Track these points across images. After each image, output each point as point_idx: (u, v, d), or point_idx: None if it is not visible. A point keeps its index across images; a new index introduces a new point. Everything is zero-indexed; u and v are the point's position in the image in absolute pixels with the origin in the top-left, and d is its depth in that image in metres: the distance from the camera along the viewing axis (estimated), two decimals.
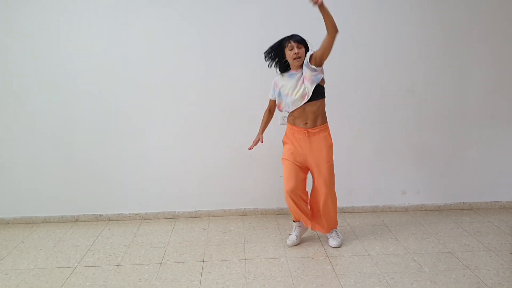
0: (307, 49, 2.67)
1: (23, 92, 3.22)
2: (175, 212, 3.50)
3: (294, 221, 2.97)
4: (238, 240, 3.03)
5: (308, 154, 2.73)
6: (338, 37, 3.23)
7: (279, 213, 3.53)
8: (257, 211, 3.53)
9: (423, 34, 3.28)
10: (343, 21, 3.22)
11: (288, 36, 2.66)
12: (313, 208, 2.90)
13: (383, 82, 3.34)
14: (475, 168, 3.54)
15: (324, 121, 2.75)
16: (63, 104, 3.26)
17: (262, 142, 2.90)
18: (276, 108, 2.83)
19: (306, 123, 2.69)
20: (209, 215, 3.52)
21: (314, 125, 2.70)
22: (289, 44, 2.62)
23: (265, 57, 2.74)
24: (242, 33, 3.22)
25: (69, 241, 3.08)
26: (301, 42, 2.63)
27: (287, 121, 2.81)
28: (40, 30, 3.13)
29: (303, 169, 2.80)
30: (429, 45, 3.30)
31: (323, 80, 2.69)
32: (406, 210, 3.58)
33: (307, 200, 2.91)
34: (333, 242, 2.88)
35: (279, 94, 2.74)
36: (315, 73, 2.61)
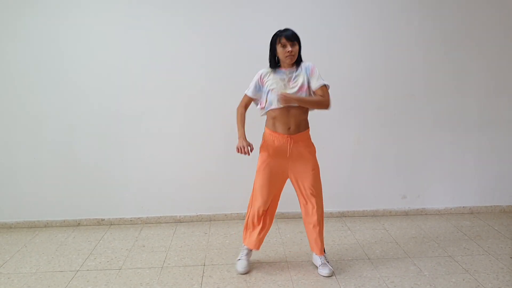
0: (300, 44, 2.43)
1: (25, 97, 3.25)
2: (176, 216, 3.52)
3: (245, 244, 2.69)
4: (239, 244, 3.04)
5: (290, 164, 2.49)
6: (337, 39, 3.28)
7: (280, 217, 3.54)
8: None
9: (423, 39, 3.31)
10: (344, 26, 3.27)
11: (279, 32, 2.41)
12: (306, 225, 2.64)
13: (383, 87, 3.37)
14: (475, 172, 3.55)
15: (307, 126, 2.52)
16: (65, 108, 3.29)
17: (253, 150, 2.49)
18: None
19: (289, 128, 2.43)
20: (210, 219, 3.54)
21: (298, 131, 2.45)
22: (281, 41, 2.37)
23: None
24: (244, 39, 3.25)
25: (71, 245, 3.10)
26: (295, 39, 2.38)
27: (266, 125, 2.52)
28: (43, 34, 3.17)
29: (279, 184, 2.56)
30: (429, 50, 3.33)
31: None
32: (406, 214, 3.59)
33: (272, 220, 2.66)
34: (323, 270, 2.56)
35: (259, 89, 2.46)
36: (314, 88, 2.44)
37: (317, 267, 2.64)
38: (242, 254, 2.69)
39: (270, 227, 2.67)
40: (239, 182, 3.46)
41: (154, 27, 3.20)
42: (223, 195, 3.48)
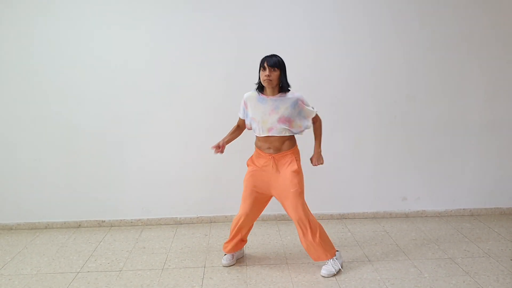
0: (283, 72, 2.46)
1: (26, 98, 3.26)
2: (176, 218, 3.52)
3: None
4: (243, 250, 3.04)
5: (272, 181, 2.55)
6: (338, 41, 3.29)
7: (280, 219, 3.55)
8: (258, 218, 3.54)
9: (423, 41, 3.31)
10: (345, 28, 3.28)
11: (265, 57, 2.47)
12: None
13: (383, 89, 3.37)
14: (476, 175, 3.56)
15: (292, 145, 2.56)
16: (66, 110, 3.29)
17: (221, 152, 2.64)
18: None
19: (269, 148, 2.53)
20: (211, 221, 3.54)
21: (279, 151, 2.52)
22: (263, 65, 2.44)
23: None
24: (244, 40, 3.25)
25: (71, 247, 3.11)
26: (275, 65, 2.41)
27: (255, 143, 2.64)
28: (44, 37, 3.18)
29: (263, 197, 2.63)
30: (430, 52, 3.33)
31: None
32: (406, 216, 3.59)
33: (251, 228, 2.75)
34: (323, 270, 2.61)
35: (247, 115, 2.58)
36: (303, 127, 2.55)
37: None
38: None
39: (244, 238, 2.77)
40: (239, 184, 3.43)
41: (155, 28, 3.21)
42: (224, 197, 3.48)
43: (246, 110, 2.59)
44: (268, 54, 2.48)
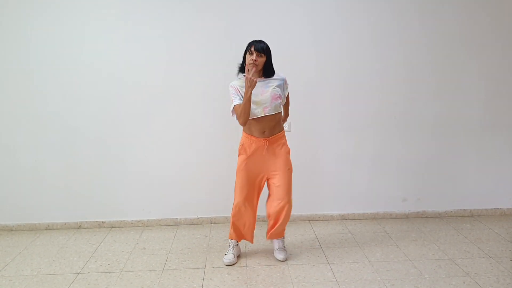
0: (269, 58, 2.58)
1: (26, 99, 3.26)
2: (177, 218, 3.53)
3: (231, 239, 2.88)
4: (240, 246, 3.05)
5: (266, 163, 2.67)
6: (339, 42, 3.29)
7: None
8: (258, 218, 3.54)
9: (423, 42, 3.32)
10: (344, 28, 3.28)
11: (252, 41, 2.58)
12: (270, 216, 2.78)
13: (383, 89, 3.37)
14: (476, 175, 3.56)
15: (281, 129, 2.72)
16: (66, 111, 3.30)
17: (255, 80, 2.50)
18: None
19: (264, 132, 2.62)
20: (211, 222, 3.54)
21: (272, 134, 2.64)
22: (250, 50, 2.54)
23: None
24: (244, 42, 3.25)
25: (72, 248, 3.11)
26: (262, 51, 2.52)
27: (243, 130, 2.70)
28: (44, 37, 3.18)
29: (257, 182, 2.73)
30: (429, 53, 3.34)
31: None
32: (406, 217, 3.59)
33: (256, 214, 2.83)
34: (279, 255, 2.82)
35: (241, 96, 2.58)
36: (283, 97, 2.69)
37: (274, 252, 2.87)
38: (229, 249, 2.88)
39: (254, 221, 2.86)
40: None
41: (155, 29, 3.22)
42: (224, 197, 3.48)
43: (240, 94, 2.58)
44: (256, 39, 2.59)
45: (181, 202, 3.50)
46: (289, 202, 2.70)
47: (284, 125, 3.17)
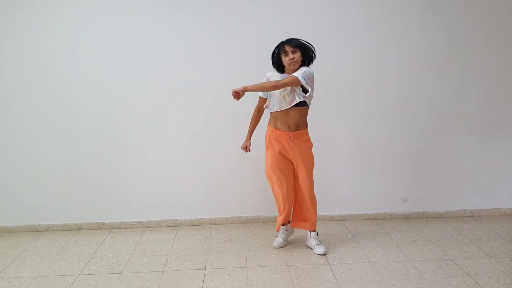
0: (305, 52, 2.67)
1: (26, 100, 3.26)
2: (177, 220, 3.52)
3: (282, 224, 3.06)
4: (240, 248, 3.05)
5: (294, 154, 2.78)
6: (339, 43, 3.29)
7: None
8: (259, 219, 3.55)
9: (423, 42, 3.32)
10: (344, 28, 3.29)
11: (282, 42, 2.69)
12: (295, 207, 2.99)
13: (383, 89, 3.37)
14: (476, 175, 3.56)
15: (306, 126, 2.80)
16: (66, 112, 3.30)
17: (249, 151, 2.95)
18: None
19: (289, 127, 2.72)
20: (211, 223, 3.54)
21: (297, 129, 2.73)
22: (284, 51, 2.65)
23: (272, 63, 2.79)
24: (245, 41, 3.26)
25: (72, 249, 3.11)
26: (297, 47, 2.64)
27: (269, 123, 2.83)
28: (44, 39, 3.18)
29: (290, 172, 2.86)
30: (429, 53, 3.34)
31: (310, 96, 2.74)
32: (407, 217, 3.59)
33: (294, 198, 2.97)
34: (319, 249, 2.90)
35: (269, 93, 2.77)
36: (299, 90, 2.68)
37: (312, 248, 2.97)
38: (279, 234, 3.09)
39: (293, 203, 3.00)
40: (240, 185, 3.47)
41: (155, 29, 3.22)
42: (224, 198, 3.48)
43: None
44: (283, 40, 2.69)
45: (181, 203, 3.50)
46: (312, 192, 2.87)
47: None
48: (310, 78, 2.62)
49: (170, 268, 2.77)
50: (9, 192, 3.40)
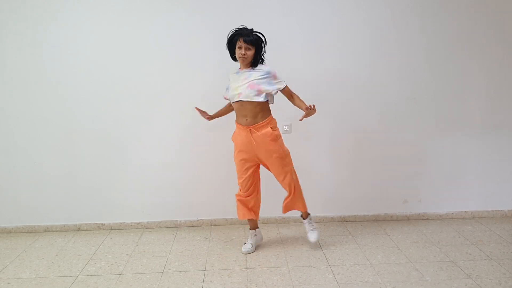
0: (259, 49, 2.64)
1: (25, 101, 3.26)
2: (177, 221, 3.51)
3: (250, 230, 3.06)
4: (240, 249, 3.03)
5: (255, 150, 2.76)
6: (339, 43, 3.29)
7: (281, 221, 3.53)
8: (259, 220, 3.53)
9: (424, 42, 3.31)
10: (345, 29, 3.28)
11: (240, 31, 2.62)
12: (286, 198, 2.97)
13: (384, 90, 3.36)
14: (477, 177, 3.54)
15: (266, 116, 2.73)
16: (65, 113, 3.29)
17: (208, 119, 2.93)
18: None
19: (246, 119, 2.71)
20: (211, 224, 3.53)
21: (255, 122, 2.70)
22: (239, 42, 2.60)
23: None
24: None
25: (71, 250, 3.09)
26: (252, 43, 2.58)
27: (235, 120, 2.84)
28: (43, 38, 3.18)
29: (253, 165, 2.85)
30: (431, 53, 3.33)
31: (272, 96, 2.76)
32: (407, 218, 3.58)
33: (258, 196, 2.98)
34: (311, 236, 2.95)
35: (228, 88, 2.81)
36: (270, 90, 2.68)
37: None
38: (248, 239, 3.06)
39: (257, 205, 3.02)
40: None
41: (154, 30, 3.21)
42: (224, 199, 3.47)
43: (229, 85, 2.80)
44: (245, 28, 2.65)
45: (181, 204, 3.48)
46: (293, 181, 2.84)
47: (283, 126, 3.21)
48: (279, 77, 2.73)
49: (169, 269, 2.76)
50: (7, 193, 3.39)
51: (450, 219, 3.56)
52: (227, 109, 2.98)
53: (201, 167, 3.41)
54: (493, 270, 2.66)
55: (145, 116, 3.32)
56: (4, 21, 3.14)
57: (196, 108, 2.89)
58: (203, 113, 2.91)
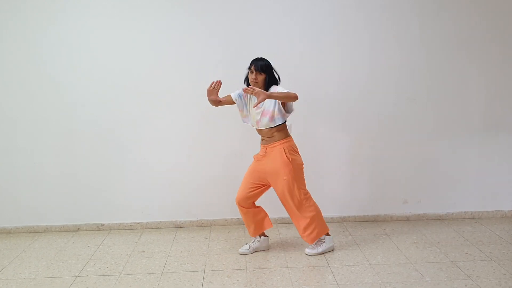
0: (271, 75, 2.70)
1: (25, 101, 3.25)
2: (176, 221, 3.50)
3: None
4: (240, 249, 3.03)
5: (266, 171, 2.76)
6: (339, 43, 3.29)
7: (280, 222, 3.53)
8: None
9: (423, 43, 3.31)
10: (344, 29, 3.28)
11: (253, 60, 2.71)
12: (293, 220, 2.91)
13: (383, 91, 3.37)
14: (477, 177, 3.54)
15: (282, 137, 2.74)
16: (65, 113, 3.29)
17: (214, 101, 2.74)
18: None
19: (263, 139, 2.79)
20: (211, 224, 3.52)
21: (270, 142, 2.74)
22: (251, 68, 2.69)
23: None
24: (244, 44, 3.25)
25: (70, 251, 3.09)
26: (261, 70, 2.66)
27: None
28: (43, 38, 3.18)
29: (258, 186, 2.83)
30: (430, 54, 3.33)
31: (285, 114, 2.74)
32: (407, 219, 3.57)
33: (255, 211, 2.92)
34: (307, 249, 2.93)
35: (245, 103, 2.81)
36: (281, 114, 2.69)
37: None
38: (250, 241, 3.04)
39: (260, 216, 2.96)
40: (239, 187, 3.44)
41: (155, 31, 3.21)
42: (224, 200, 3.46)
43: (245, 99, 2.82)
44: (257, 58, 2.71)
45: (181, 205, 3.48)
46: (298, 209, 2.79)
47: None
48: None
49: (169, 269, 2.75)
50: (7, 193, 3.38)
51: (449, 220, 3.56)
52: (229, 102, 2.85)
53: (201, 168, 3.41)
54: (493, 270, 2.65)
55: (145, 116, 3.32)
56: (4, 21, 3.14)
57: (218, 81, 2.75)
58: (213, 91, 2.74)
